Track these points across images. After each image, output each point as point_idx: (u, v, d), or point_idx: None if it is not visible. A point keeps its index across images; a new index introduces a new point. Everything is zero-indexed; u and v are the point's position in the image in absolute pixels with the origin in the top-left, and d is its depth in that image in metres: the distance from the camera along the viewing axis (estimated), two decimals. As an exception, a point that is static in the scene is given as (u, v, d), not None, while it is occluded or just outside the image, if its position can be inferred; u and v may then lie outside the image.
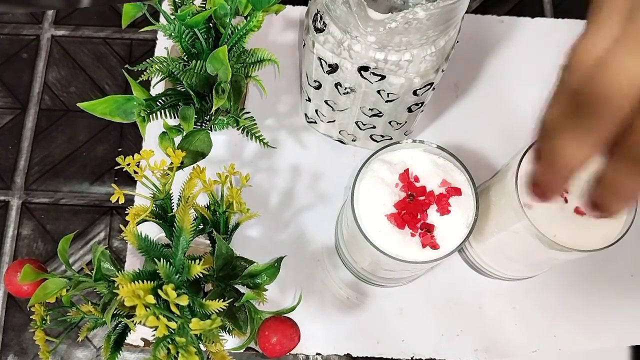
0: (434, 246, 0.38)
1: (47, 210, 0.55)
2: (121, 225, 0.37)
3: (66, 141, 0.57)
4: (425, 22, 0.37)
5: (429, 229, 0.38)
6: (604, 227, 0.40)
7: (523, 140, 0.43)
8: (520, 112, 0.57)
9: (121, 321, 0.38)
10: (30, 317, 0.39)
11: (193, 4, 0.44)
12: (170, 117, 0.45)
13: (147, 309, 0.33)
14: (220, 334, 0.37)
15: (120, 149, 0.57)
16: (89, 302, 0.39)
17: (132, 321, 0.34)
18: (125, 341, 0.38)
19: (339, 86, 0.45)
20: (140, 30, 0.45)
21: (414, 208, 0.39)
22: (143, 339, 0.50)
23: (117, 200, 0.37)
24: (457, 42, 0.43)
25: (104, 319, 0.36)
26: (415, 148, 0.41)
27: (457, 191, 0.39)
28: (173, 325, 0.34)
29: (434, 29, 0.38)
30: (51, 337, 0.39)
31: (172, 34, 0.44)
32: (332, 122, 0.52)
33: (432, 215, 0.39)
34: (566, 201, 0.41)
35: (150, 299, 0.33)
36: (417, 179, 0.40)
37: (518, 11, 0.61)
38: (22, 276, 0.37)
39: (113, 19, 0.61)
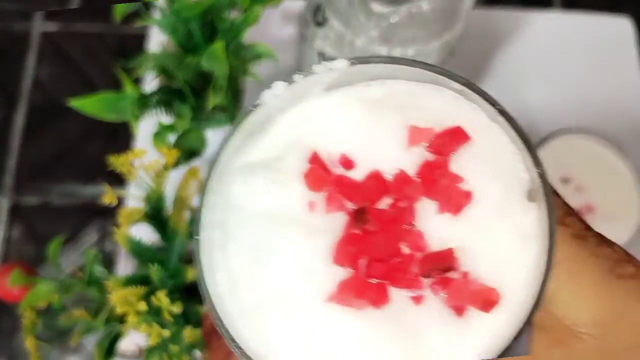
0: (488, 298, 0.17)
1: (37, 211, 0.54)
2: (114, 227, 0.36)
3: (57, 140, 0.56)
4: (429, 16, 0.36)
5: (443, 262, 0.18)
6: (615, 228, 0.39)
7: (531, 134, 0.42)
8: (529, 108, 0.56)
9: (114, 326, 0.37)
10: (21, 321, 0.38)
11: (188, -3, 0.43)
12: (165, 114, 0.44)
13: (140, 316, 0.32)
14: (216, 341, 0.36)
15: (112, 148, 0.56)
16: (82, 307, 0.38)
17: (125, 327, 0.33)
18: (119, 347, 0.38)
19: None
20: (134, 25, 0.44)
21: (381, 238, 0.18)
22: (136, 345, 0.49)
23: (110, 202, 0.36)
24: (463, 36, 0.42)
25: (95, 324, 0.36)
26: (304, 99, 0.20)
27: (458, 134, 0.19)
28: (166, 333, 0.33)
29: (438, 23, 0.38)
30: (42, 342, 0.38)
31: (167, 29, 0.43)
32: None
33: (434, 226, 0.18)
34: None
35: (142, 306, 0.32)
36: (348, 162, 0.19)
37: (526, 2, 0.61)
38: (12, 280, 0.36)
39: (105, 13, 0.60)
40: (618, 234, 0.39)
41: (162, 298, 0.32)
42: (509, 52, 0.59)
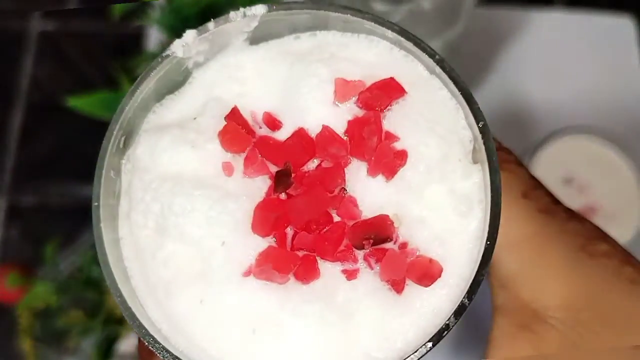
0: (429, 272, 0.16)
1: (35, 211, 0.54)
2: None
3: (55, 139, 0.56)
4: (430, 14, 0.36)
5: (379, 235, 0.16)
6: (618, 227, 0.39)
7: (533, 134, 0.42)
8: (530, 106, 0.56)
9: (112, 328, 0.37)
10: (18, 323, 0.38)
11: (187, -5, 0.43)
12: None
13: None
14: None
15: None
16: (79, 308, 0.38)
17: (123, 328, 0.33)
18: (117, 349, 0.38)
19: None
20: (132, 23, 0.44)
21: (305, 203, 0.16)
22: (135, 346, 0.49)
23: None
24: (465, 36, 0.42)
25: (93, 326, 0.35)
26: (227, 52, 0.18)
27: (392, 86, 0.17)
28: None
29: (440, 22, 0.37)
30: (39, 343, 0.38)
31: (166, 27, 0.43)
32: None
33: (368, 189, 0.16)
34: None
35: None
36: (273, 122, 0.17)
37: (528, 0, 0.61)
38: (9, 281, 0.36)
39: (103, 12, 0.60)
40: (620, 233, 0.39)
41: None
42: (511, 51, 0.59)
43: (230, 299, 0.15)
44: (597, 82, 0.57)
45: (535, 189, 0.18)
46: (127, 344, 0.48)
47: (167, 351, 0.15)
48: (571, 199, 0.40)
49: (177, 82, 0.18)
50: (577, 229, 0.18)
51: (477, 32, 0.55)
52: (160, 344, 0.15)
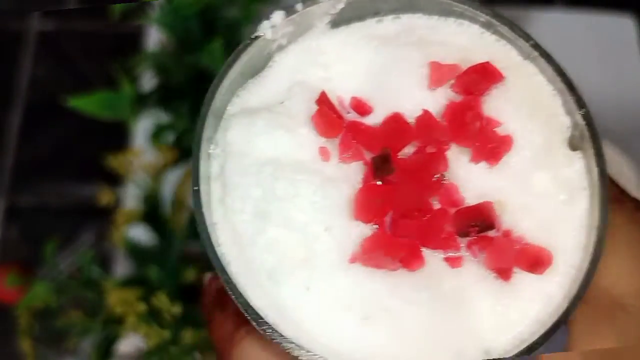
0: (537, 259, 0.15)
1: (34, 211, 0.54)
2: (111, 228, 0.36)
3: (54, 139, 0.56)
4: None
5: (483, 220, 0.15)
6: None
7: None
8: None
9: (111, 328, 0.37)
10: (17, 322, 0.38)
11: (186, -6, 0.43)
12: (163, 113, 0.44)
13: (139, 317, 0.32)
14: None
15: (109, 148, 0.56)
16: (78, 308, 0.38)
17: (123, 328, 0.33)
18: (118, 349, 0.38)
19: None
20: (131, 22, 0.44)
21: (407, 190, 0.15)
22: (134, 347, 0.49)
23: (107, 202, 0.36)
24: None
25: (93, 326, 0.35)
26: (309, 36, 0.17)
27: (487, 76, 0.16)
28: (166, 334, 0.33)
29: None
30: (39, 344, 0.38)
31: (165, 26, 0.43)
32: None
33: (470, 176, 0.16)
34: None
35: (141, 307, 0.32)
36: (362, 106, 0.17)
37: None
38: (9, 281, 0.36)
39: (102, 11, 0.60)
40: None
41: (162, 299, 0.32)
42: None
43: (337, 286, 0.15)
44: (597, 82, 0.57)
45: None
46: (126, 344, 0.48)
47: (282, 336, 0.14)
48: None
49: (258, 66, 0.17)
50: None
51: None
52: (276, 330, 0.14)
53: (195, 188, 0.16)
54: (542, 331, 0.14)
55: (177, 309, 0.32)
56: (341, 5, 0.17)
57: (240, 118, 0.16)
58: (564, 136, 0.16)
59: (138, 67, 0.43)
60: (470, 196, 0.15)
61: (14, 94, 0.57)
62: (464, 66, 0.16)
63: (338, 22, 0.17)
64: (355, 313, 0.15)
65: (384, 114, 0.16)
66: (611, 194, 0.17)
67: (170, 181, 0.39)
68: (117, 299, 0.33)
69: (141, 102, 0.41)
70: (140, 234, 0.38)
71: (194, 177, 0.16)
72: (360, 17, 0.17)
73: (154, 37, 0.57)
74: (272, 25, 0.17)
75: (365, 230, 0.15)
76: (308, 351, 0.14)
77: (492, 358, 0.14)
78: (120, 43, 0.59)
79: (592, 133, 0.16)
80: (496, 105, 0.16)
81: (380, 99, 0.16)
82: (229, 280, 0.15)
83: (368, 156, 0.16)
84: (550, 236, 0.15)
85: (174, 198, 0.38)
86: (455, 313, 0.14)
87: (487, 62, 0.16)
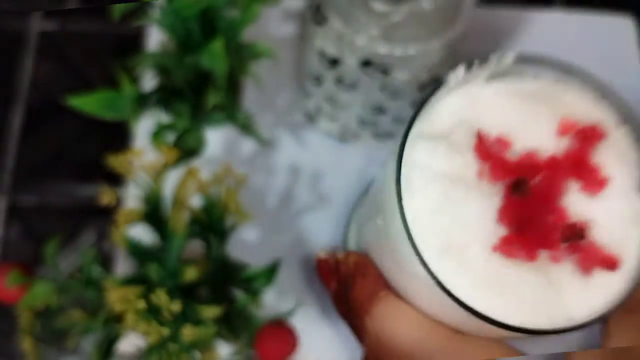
0: (611, 262, 0.22)
1: (35, 211, 0.54)
2: (111, 228, 0.36)
3: (55, 139, 0.56)
4: (430, 14, 0.36)
5: (580, 233, 0.22)
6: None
7: None
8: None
9: (112, 327, 0.37)
10: (18, 322, 0.38)
11: (187, -5, 0.43)
12: (164, 113, 0.44)
13: (138, 315, 0.32)
14: (215, 341, 0.37)
15: (111, 147, 0.56)
16: (79, 307, 0.38)
17: (123, 327, 0.33)
18: (117, 348, 0.38)
19: (340, 82, 0.45)
20: (132, 23, 0.44)
21: (535, 205, 0.22)
22: (134, 346, 0.49)
23: (108, 202, 0.36)
24: (465, 36, 0.42)
25: (93, 325, 0.36)
26: (469, 86, 0.24)
27: (596, 133, 0.23)
28: (166, 332, 0.33)
29: (440, 22, 0.38)
30: (40, 343, 0.38)
31: (165, 27, 0.43)
32: (333, 119, 0.52)
33: (576, 201, 0.23)
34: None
35: (141, 305, 0.32)
36: (506, 144, 0.23)
37: (526, 1, 0.61)
38: (9, 281, 0.36)
39: (103, 12, 0.60)
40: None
41: (161, 296, 0.32)
42: (509, 51, 0.59)
43: (480, 265, 0.22)
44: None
45: None
46: (127, 343, 0.49)
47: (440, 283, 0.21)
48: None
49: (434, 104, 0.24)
50: None
51: (476, 32, 0.55)
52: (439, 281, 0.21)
53: (398, 186, 0.23)
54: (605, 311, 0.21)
55: (176, 307, 0.33)
56: (500, 69, 0.24)
57: (423, 141, 0.23)
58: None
59: (139, 67, 0.43)
60: (574, 214, 0.23)
61: (15, 94, 0.58)
62: (582, 124, 0.24)
63: (494, 76, 0.25)
64: (491, 287, 0.22)
65: (519, 151, 0.23)
66: None
67: (171, 181, 0.39)
68: (117, 298, 0.33)
69: (142, 102, 0.42)
70: (141, 233, 0.38)
71: (397, 176, 0.23)
72: (505, 74, 0.25)
73: (156, 38, 0.57)
74: (457, 77, 0.24)
75: (504, 230, 0.23)
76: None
77: (574, 324, 0.21)
78: (122, 43, 0.60)
79: None
80: (599, 155, 0.23)
81: (517, 139, 0.24)
82: (417, 252, 0.21)
83: (507, 180, 0.23)
84: (621, 248, 0.22)
85: (175, 198, 0.39)
86: (552, 292, 0.22)
87: (597, 125, 0.24)
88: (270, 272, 0.39)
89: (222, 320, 0.37)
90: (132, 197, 0.39)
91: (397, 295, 0.25)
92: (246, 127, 0.46)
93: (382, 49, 0.39)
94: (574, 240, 0.22)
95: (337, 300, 0.29)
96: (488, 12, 0.60)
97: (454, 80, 0.24)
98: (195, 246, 0.47)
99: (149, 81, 0.52)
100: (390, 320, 0.23)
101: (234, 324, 0.39)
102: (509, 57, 0.24)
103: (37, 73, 0.58)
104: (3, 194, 0.55)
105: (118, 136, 0.56)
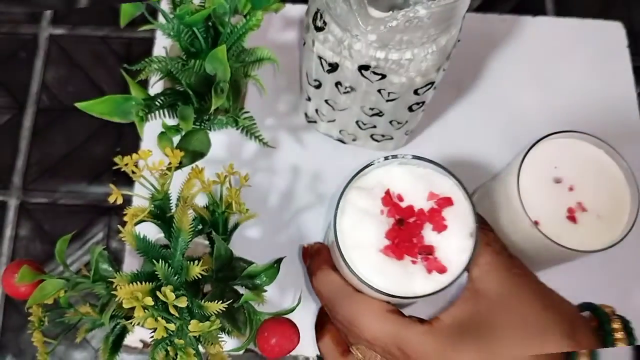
0: (441, 269, 0.35)
1: (45, 210, 0.55)
2: (119, 226, 0.37)
3: (64, 141, 0.57)
4: (426, 21, 0.36)
5: (428, 251, 0.35)
6: (607, 227, 0.40)
7: (525, 139, 0.43)
8: (522, 111, 0.57)
9: (119, 322, 0.37)
10: (28, 318, 0.39)
11: (192, 2, 0.44)
12: (169, 116, 0.45)
13: (146, 311, 0.33)
14: (219, 336, 0.37)
15: (118, 149, 0.57)
16: (87, 304, 0.39)
17: (131, 322, 0.34)
18: (124, 343, 0.38)
19: (339, 85, 0.45)
20: (139, 29, 0.45)
21: (406, 233, 0.35)
22: (141, 341, 0.50)
23: (115, 201, 0.37)
24: (459, 40, 0.43)
25: (102, 321, 0.36)
26: (389, 165, 0.38)
27: (448, 201, 0.36)
28: (172, 327, 0.33)
29: (435, 28, 0.38)
30: (49, 339, 0.39)
31: (171, 33, 0.44)
32: (332, 121, 0.52)
33: (429, 235, 0.36)
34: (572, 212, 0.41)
35: (149, 301, 0.32)
36: (401, 199, 0.37)
37: (520, 9, 0.61)
38: (20, 277, 0.37)
39: (111, 17, 0.61)
40: (610, 233, 0.40)
41: (167, 293, 0.33)
42: (502, 56, 0.59)
43: (372, 259, 0.36)
44: (588, 86, 0.58)
45: (495, 242, 0.37)
46: (132, 338, 0.49)
47: (353, 271, 0.36)
48: (561, 198, 0.41)
49: (364, 171, 0.38)
50: (508, 260, 0.36)
51: (469, 37, 0.56)
52: (352, 269, 0.36)
53: (336, 210, 0.37)
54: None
55: (181, 303, 0.33)
56: (407, 158, 0.38)
57: (356, 190, 0.38)
58: (469, 231, 0.36)
59: (145, 71, 0.44)
60: (427, 241, 0.36)
61: (25, 97, 0.58)
62: (442, 195, 0.37)
63: (401, 163, 0.38)
64: (376, 270, 0.35)
65: (406, 204, 0.37)
66: (497, 247, 0.36)
67: (177, 181, 0.40)
68: (125, 294, 0.33)
69: (148, 105, 0.42)
70: (148, 231, 0.39)
71: (337, 207, 0.37)
72: (406, 163, 0.38)
73: (163, 43, 0.58)
74: (377, 161, 0.38)
75: (388, 242, 0.36)
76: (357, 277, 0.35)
77: (418, 295, 0.35)
78: (131, 48, 0.60)
79: (476, 232, 0.36)
80: (446, 213, 0.36)
81: (407, 198, 0.37)
82: (339, 247, 0.36)
83: (396, 217, 0.37)
84: (451, 262, 0.35)
85: (180, 197, 0.39)
86: (409, 279, 0.35)
87: (450, 197, 0.36)
88: (273, 269, 0.39)
89: (226, 316, 0.38)
90: (140, 197, 0.40)
91: (334, 269, 0.39)
92: (249, 129, 0.47)
93: (379, 54, 0.39)
94: (424, 255, 0.36)
95: (307, 271, 0.43)
96: (481, 17, 0.60)
97: (378, 162, 0.37)
98: (200, 244, 0.47)
99: (156, 85, 0.53)
100: (324, 281, 0.39)
101: (237, 318, 0.39)
102: (409, 156, 0.37)
103: (47, 77, 0.59)
104: (14, 193, 0.56)
105: (126, 138, 0.57)
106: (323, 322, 0.42)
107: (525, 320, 0.32)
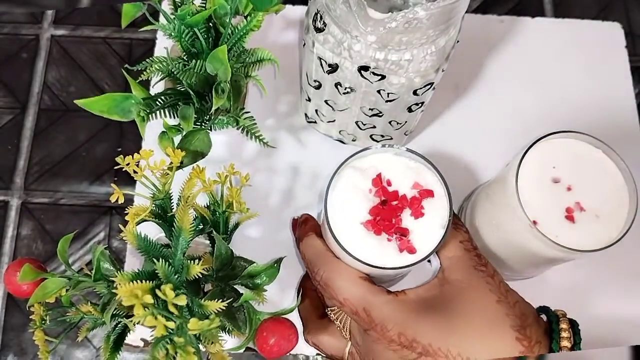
0: (411, 250, 0.38)
1: (46, 210, 0.55)
2: (120, 226, 0.37)
3: (66, 141, 0.57)
4: (425, 22, 0.36)
5: (403, 233, 0.38)
6: (605, 226, 0.40)
7: (523, 139, 0.43)
8: (521, 112, 0.57)
9: (120, 321, 0.38)
10: (30, 317, 0.39)
11: (193, 3, 0.44)
12: (170, 116, 0.45)
13: (146, 309, 0.33)
14: (219, 334, 0.37)
15: (119, 149, 0.57)
16: (89, 302, 0.39)
17: (131, 321, 0.34)
18: (125, 341, 0.38)
19: (339, 86, 0.45)
20: (140, 30, 0.45)
21: (387, 213, 0.39)
22: (142, 339, 0.50)
23: (117, 200, 0.37)
24: (458, 41, 0.43)
25: (103, 319, 0.36)
26: (385, 152, 0.40)
27: (430, 193, 0.39)
28: (171, 325, 0.33)
29: (434, 29, 0.38)
30: (50, 337, 0.39)
31: (172, 34, 0.44)
32: (332, 121, 0.52)
33: (406, 219, 0.39)
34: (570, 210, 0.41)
35: (149, 299, 0.32)
36: (389, 183, 0.40)
37: (518, 10, 0.62)
38: (22, 276, 0.37)
39: (113, 18, 0.61)
40: (607, 233, 0.40)
41: (167, 291, 0.33)
42: (501, 57, 0.59)
43: (354, 231, 0.38)
44: (586, 86, 0.58)
45: (468, 241, 0.40)
46: (133, 337, 0.50)
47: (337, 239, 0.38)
48: (560, 198, 0.41)
49: (362, 154, 0.41)
50: (476, 258, 0.39)
51: (467, 38, 0.56)
52: (336, 238, 0.38)
53: (330, 181, 0.39)
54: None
55: (182, 301, 0.33)
56: (402, 150, 0.41)
57: (351, 169, 0.40)
58: (444, 221, 0.39)
59: (148, 72, 0.44)
60: (404, 224, 0.39)
61: (27, 97, 0.59)
62: (425, 187, 0.39)
63: (397, 153, 0.40)
64: (356, 240, 0.38)
65: (394, 188, 0.39)
66: (466, 245, 0.40)
67: (178, 181, 0.40)
68: (125, 292, 0.33)
69: (149, 104, 0.42)
70: (150, 230, 0.39)
71: (330, 181, 0.39)
72: (401, 153, 0.41)
73: (164, 43, 0.58)
74: (374, 147, 0.40)
75: (370, 217, 0.39)
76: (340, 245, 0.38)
77: (389, 267, 0.37)
78: (132, 49, 0.61)
79: (449, 222, 0.39)
80: (426, 202, 0.39)
81: (394, 183, 0.40)
82: (327, 215, 0.39)
83: (382, 198, 0.39)
84: (424, 244, 0.38)
85: (181, 197, 0.39)
86: (382, 253, 0.38)
87: (432, 190, 0.39)
88: (273, 269, 0.40)
89: (226, 314, 0.38)
90: (141, 196, 0.40)
91: (319, 236, 0.42)
92: (249, 129, 0.47)
93: (378, 55, 0.40)
94: (399, 235, 0.38)
95: (296, 239, 0.45)
96: (481, 18, 0.60)
97: (376, 148, 0.40)
98: (201, 243, 0.48)
99: (157, 85, 0.53)
100: (309, 244, 0.42)
101: (237, 317, 0.39)
102: (404, 148, 0.40)
103: (49, 77, 0.59)
104: (15, 193, 0.56)
105: (127, 138, 0.57)
106: (305, 289, 0.47)
107: (480, 310, 0.36)
